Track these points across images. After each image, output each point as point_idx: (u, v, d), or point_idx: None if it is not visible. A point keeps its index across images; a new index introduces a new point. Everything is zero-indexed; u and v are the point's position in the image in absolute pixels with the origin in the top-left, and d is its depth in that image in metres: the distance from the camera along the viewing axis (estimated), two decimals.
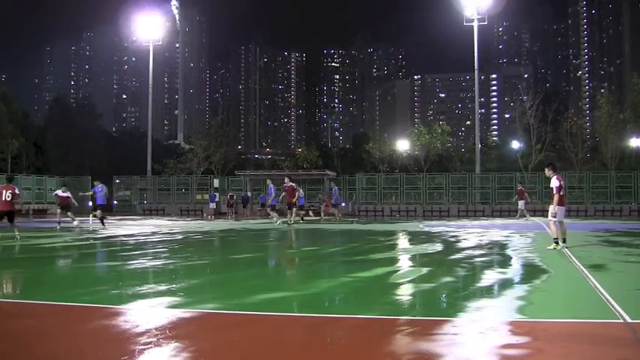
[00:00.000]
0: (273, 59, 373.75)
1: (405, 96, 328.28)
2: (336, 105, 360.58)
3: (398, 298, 9.76)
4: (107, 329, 7.17)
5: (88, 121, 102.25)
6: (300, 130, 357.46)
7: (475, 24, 64.99)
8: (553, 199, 17.30)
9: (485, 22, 66.32)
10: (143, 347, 6.09)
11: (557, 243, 17.04)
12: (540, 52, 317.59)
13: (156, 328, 6.94)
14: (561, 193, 17.30)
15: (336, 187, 45.71)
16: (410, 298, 9.82)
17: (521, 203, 43.77)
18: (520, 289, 10.33)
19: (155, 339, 6.40)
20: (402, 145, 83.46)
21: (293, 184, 33.38)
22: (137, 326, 7.15)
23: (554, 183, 17.23)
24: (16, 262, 16.35)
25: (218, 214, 50.00)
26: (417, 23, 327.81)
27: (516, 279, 12.01)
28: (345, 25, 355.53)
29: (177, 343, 6.20)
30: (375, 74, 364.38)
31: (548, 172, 17.85)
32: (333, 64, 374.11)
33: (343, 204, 56.10)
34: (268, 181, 40.35)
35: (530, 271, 13.08)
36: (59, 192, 35.45)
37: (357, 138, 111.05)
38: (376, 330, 7.19)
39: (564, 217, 17.48)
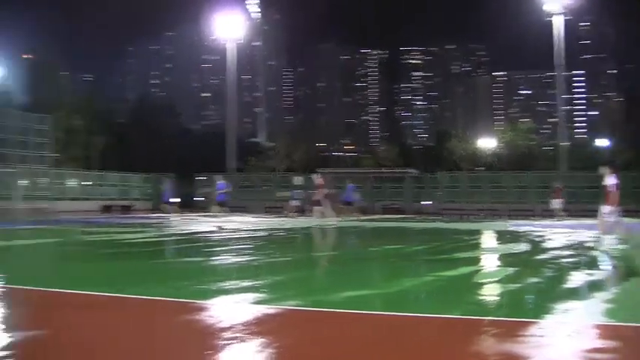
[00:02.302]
0: (354, 57, 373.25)
1: (486, 93, 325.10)
2: (417, 102, 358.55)
3: (483, 297, 9.65)
4: (192, 324, 7.21)
5: (170, 120, 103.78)
6: (381, 128, 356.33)
7: (558, 18, 63.98)
8: (608, 197, 17.06)
9: (569, 17, 65.22)
10: (227, 342, 6.11)
11: (618, 242, 16.85)
12: (627, 47, 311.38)
13: (240, 324, 6.96)
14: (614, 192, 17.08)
15: (351, 184, 44.20)
16: (495, 298, 9.71)
17: (556, 202, 42.69)
18: (608, 292, 10.11)
19: (239, 334, 6.41)
20: (485, 143, 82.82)
21: (322, 182, 32.21)
22: (221, 321, 7.20)
23: (611, 181, 17.06)
24: (104, 257, 16.65)
25: (301, 211, 50.17)
26: (498, 19, 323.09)
27: (604, 281, 11.74)
28: (426, 22, 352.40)
29: (260, 339, 6.22)
30: (455, 71, 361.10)
31: (605, 170, 17.62)
32: (413, 61, 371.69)
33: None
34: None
35: (619, 273, 12.83)
36: None
37: (439, 135, 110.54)
38: (460, 330, 7.10)
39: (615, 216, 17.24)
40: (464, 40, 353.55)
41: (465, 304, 8.75)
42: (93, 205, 58.62)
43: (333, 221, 30.98)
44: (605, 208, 17.02)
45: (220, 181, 33.13)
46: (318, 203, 31.67)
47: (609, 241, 17.19)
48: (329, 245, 21.54)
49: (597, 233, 18.46)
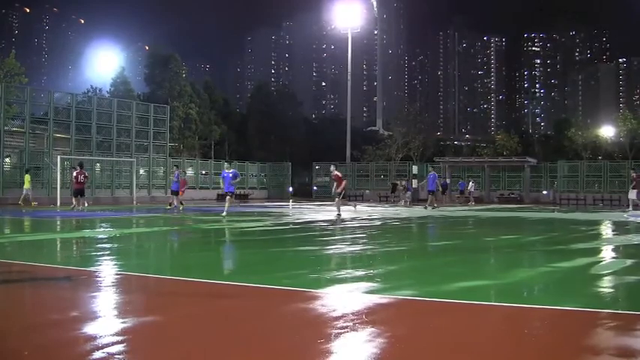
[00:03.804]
0: (473, 44, 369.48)
1: (609, 80, 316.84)
2: (536, 90, 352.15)
3: (600, 290, 9.46)
4: (305, 312, 7.36)
5: (288, 109, 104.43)
6: (500, 116, 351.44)
7: None
8: None
9: None
10: (339, 331, 6.18)
11: None
12: None
13: (352, 313, 7.04)
14: None
15: (433, 173, 42.01)
16: (612, 290, 9.50)
17: (633, 193, 40.66)
18: None
19: (351, 323, 6.48)
20: (606, 132, 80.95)
21: (338, 173, 30.40)
22: (334, 310, 7.28)
23: None
24: (219, 246, 17.01)
25: (417, 200, 50.18)
26: (623, 2, 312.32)
27: None
28: (546, 7, 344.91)
29: (373, 329, 6.24)
30: (577, 58, 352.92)
31: None
32: (533, 48, 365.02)
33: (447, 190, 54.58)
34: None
35: None
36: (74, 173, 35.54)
37: (559, 124, 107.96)
38: (575, 322, 6.99)
39: None
40: (586, 25, 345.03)
41: (582, 296, 8.62)
42: (209, 194, 59.86)
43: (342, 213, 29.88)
44: None
45: (229, 170, 29.43)
46: (340, 196, 30.26)
47: None
48: (443, 235, 21.42)
49: None
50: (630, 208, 40.21)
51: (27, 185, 39.66)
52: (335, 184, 30.25)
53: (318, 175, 72.66)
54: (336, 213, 29.01)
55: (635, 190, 39.51)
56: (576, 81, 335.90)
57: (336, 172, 30.30)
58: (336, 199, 29.80)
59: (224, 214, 27.50)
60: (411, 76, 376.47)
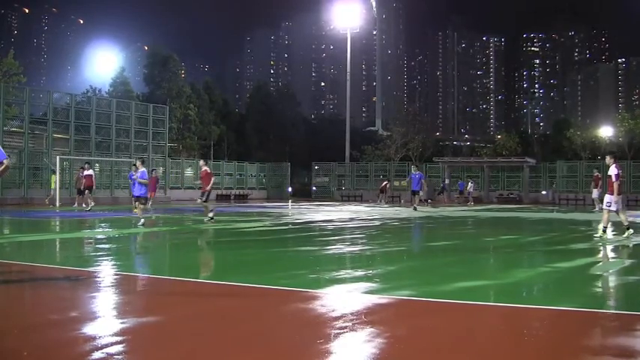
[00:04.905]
0: (472, 45, 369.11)
1: (608, 80, 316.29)
2: (536, 90, 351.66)
3: (599, 290, 9.50)
4: (304, 312, 7.39)
5: (287, 109, 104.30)
6: (499, 117, 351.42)
7: None
8: (612, 187, 17.73)
9: None
10: (338, 331, 6.21)
11: (604, 231, 17.77)
12: None
13: (351, 313, 7.07)
14: (619, 182, 17.65)
15: (418, 173, 39.95)
16: (612, 290, 9.54)
17: (595, 192, 40.57)
18: None
19: (350, 324, 6.51)
20: (605, 132, 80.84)
21: (207, 169, 25.31)
22: (333, 310, 7.31)
23: (613, 171, 17.60)
24: (218, 246, 16.99)
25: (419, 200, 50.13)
26: (623, 2, 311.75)
27: None
28: (545, 7, 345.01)
29: (372, 329, 6.25)
30: (576, 58, 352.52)
31: (608, 160, 18.21)
32: (532, 48, 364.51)
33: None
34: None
35: None
36: (88, 172, 35.20)
37: (558, 124, 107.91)
38: (574, 322, 7.00)
39: (621, 206, 18.02)
40: (585, 25, 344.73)
41: (581, 296, 8.64)
42: None
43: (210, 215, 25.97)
44: (607, 197, 17.91)
45: (139, 171, 24.01)
46: (206, 196, 24.18)
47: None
48: (442, 235, 21.38)
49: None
50: (597, 208, 40.04)
51: (53, 186, 41.05)
52: (203, 182, 25.80)
53: (318, 176, 72.56)
54: (208, 217, 24.70)
55: (599, 190, 39.55)
56: (575, 81, 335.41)
57: (206, 168, 25.59)
58: (200, 199, 25.60)
59: (141, 223, 22.05)
60: (410, 76, 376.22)
